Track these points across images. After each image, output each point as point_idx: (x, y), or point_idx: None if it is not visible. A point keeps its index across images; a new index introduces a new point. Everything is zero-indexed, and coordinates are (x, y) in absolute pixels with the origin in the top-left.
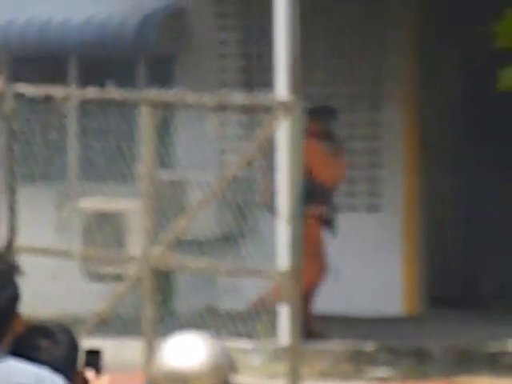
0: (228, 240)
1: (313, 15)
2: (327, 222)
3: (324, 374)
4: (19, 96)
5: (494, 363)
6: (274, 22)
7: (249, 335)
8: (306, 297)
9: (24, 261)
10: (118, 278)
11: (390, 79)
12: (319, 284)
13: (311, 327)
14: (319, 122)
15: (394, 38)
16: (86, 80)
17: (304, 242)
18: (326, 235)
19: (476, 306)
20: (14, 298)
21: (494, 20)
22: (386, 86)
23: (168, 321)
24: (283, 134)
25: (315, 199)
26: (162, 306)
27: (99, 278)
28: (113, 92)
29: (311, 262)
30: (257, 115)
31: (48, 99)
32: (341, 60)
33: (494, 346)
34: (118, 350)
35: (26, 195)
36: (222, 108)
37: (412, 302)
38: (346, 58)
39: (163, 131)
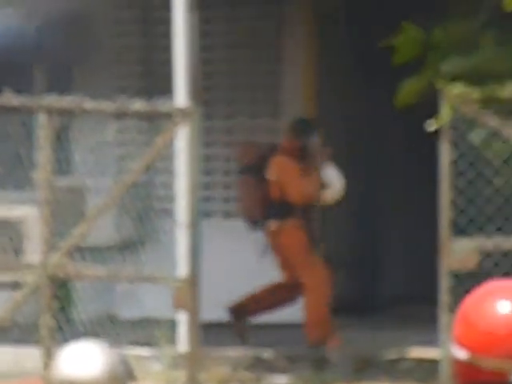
0: (128, 247)
1: (212, 21)
2: (310, 237)
3: (223, 381)
4: None
5: (392, 370)
6: (174, 29)
7: (148, 342)
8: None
9: None
10: (16, 285)
11: (288, 87)
12: (328, 288)
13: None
14: (300, 138)
15: (291, 47)
16: None
17: (297, 256)
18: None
19: (375, 311)
20: None
21: (395, 34)
22: (284, 93)
23: (67, 329)
24: (182, 140)
25: (293, 214)
26: (60, 314)
27: None
28: (10, 98)
29: (312, 271)
30: (156, 122)
31: None
32: (240, 66)
33: (392, 353)
34: (17, 358)
35: None
36: (121, 114)
37: None
38: (245, 65)
39: (62, 137)
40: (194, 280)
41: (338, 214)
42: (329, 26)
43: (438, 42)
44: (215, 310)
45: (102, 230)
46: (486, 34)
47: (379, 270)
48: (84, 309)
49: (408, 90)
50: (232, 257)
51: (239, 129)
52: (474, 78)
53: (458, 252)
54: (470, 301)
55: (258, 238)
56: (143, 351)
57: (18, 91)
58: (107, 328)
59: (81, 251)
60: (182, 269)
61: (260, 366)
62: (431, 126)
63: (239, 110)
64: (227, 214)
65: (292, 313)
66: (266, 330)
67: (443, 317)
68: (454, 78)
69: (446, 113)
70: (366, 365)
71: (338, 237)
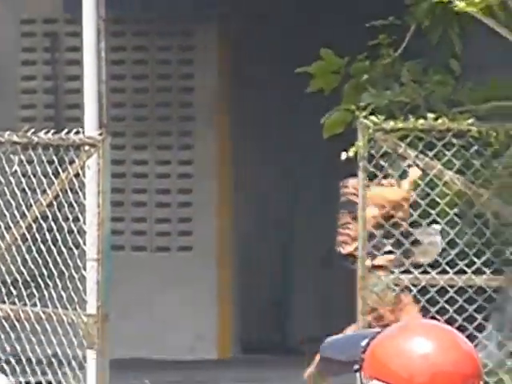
0: (35, 282)
1: (121, 49)
2: None
3: None
4: None
5: None
6: (83, 57)
7: (57, 381)
8: None
9: None
10: None
11: (201, 117)
12: None
13: None
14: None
15: (203, 77)
16: None
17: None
18: None
19: (290, 350)
20: None
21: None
22: (198, 123)
23: None
24: (92, 171)
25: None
26: None
27: None
28: None
29: None
30: (65, 152)
31: None
32: (151, 97)
33: None
34: None
35: None
36: (28, 145)
37: (225, 345)
38: (156, 95)
39: None
40: (101, 317)
41: (258, 252)
42: (243, 54)
43: (358, 73)
44: (132, 347)
45: (9, 264)
46: (404, 67)
47: (300, 305)
48: None
49: (334, 120)
50: (140, 289)
51: (151, 160)
52: (393, 110)
53: (373, 288)
54: (384, 338)
55: None
56: None
57: None
58: (14, 366)
59: None
60: (91, 305)
61: None
62: (344, 155)
63: (151, 141)
64: (137, 248)
65: (207, 349)
66: (179, 366)
67: None
68: (374, 111)
69: (361, 144)
70: None
71: (259, 273)
